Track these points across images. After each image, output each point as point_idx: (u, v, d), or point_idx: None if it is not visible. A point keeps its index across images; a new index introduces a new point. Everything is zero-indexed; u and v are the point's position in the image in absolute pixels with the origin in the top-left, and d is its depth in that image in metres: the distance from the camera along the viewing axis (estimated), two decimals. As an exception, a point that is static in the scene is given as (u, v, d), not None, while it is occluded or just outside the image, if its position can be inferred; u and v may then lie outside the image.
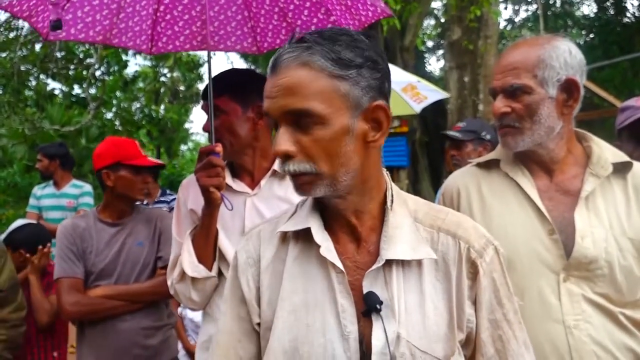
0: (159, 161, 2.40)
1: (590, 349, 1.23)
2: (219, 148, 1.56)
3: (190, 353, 3.30)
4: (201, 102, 1.71)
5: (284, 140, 0.89)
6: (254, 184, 1.67)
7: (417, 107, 4.41)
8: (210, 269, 1.56)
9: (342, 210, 0.97)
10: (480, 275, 0.95)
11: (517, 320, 0.99)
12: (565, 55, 1.32)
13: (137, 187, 2.24)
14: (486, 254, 0.96)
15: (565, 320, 1.25)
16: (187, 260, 1.55)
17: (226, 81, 1.65)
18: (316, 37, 0.89)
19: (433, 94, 4.61)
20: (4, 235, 2.68)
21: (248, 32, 2.20)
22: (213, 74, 1.67)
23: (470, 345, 0.98)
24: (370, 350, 0.90)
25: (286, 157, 0.90)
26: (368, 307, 0.91)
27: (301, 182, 0.92)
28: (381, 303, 0.91)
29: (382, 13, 2.05)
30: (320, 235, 0.97)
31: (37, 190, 4.47)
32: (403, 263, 0.95)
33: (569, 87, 1.33)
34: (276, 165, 1.67)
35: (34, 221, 3.37)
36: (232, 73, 1.76)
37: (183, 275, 1.56)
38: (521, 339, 0.98)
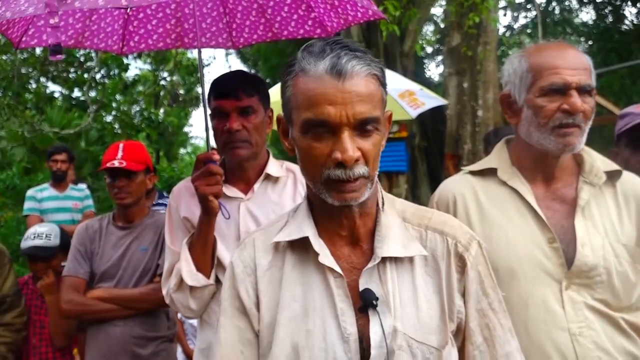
0: (114, 164, 2.17)
1: (596, 355, 1.25)
2: (216, 156, 1.57)
3: (190, 358, 3.29)
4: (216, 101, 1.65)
5: (352, 146, 0.92)
6: (247, 188, 1.67)
7: (413, 113, 4.46)
8: (208, 277, 1.56)
9: (353, 213, 1.01)
10: (468, 268, 1.01)
11: (501, 309, 1.04)
12: None
13: (111, 191, 2.24)
14: (472, 248, 1.02)
15: (570, 328, 1.27)
16: (186, 269, 1.54)
17: (257, 83, 1.67)
18: (359, 47, 0.95)
19: (431, 100, 4.64)
20: (57, 241, 2.60)
21: (223, 28, 2.20)
22: (212, 78, 1.68)
23: (460, 334, 1.02)
24: (369, 347, 0.94)
25: (352, 162, 0.92)
26: (364, 303, 0.95)
27: (358, 186, 0.94)
28: (377, 299, 0.95)
29: (374, 15, 2.05)
30: (317, 243, 1.00)
31: (35, 192, 4.42)
32: (396, 260, 1.00)
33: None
34: (269, 169, 1.68)
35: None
36: (257, 76, 1.79)
37: (181, 284, 1.55)
38: (506, 327, 1.04)
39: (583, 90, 1.31)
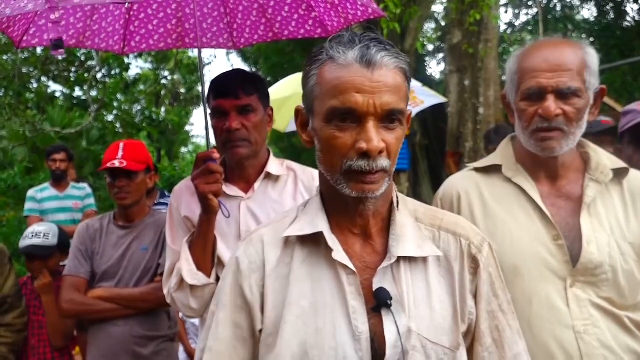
0: (114, 164, 2.15)
1: (601, 353, 1.24)
2: (216, 154, 1.56)
3: (192, 357, 3.29)
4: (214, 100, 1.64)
5: (377, 137, 0.91)
6: (247, 187, 1.67)
7: (412, 112, 4.47)
8: (209, 276, 1.55)
9: (367, 211, 1.00)
10: (481, 269, 1.01)
11: (510, 310, 1.04)
12: (597, 63, 1.33)
13: (111, 191, 2.24)
14: (484, 249, 1.03)
15: (575, 325, 1.26)
16: (186, 269, 1.53)
17: (256, 82, 1.66)
18: (386, 41, 0.94)
19: (430, 98, 4.65)
20: (55, 240, 2.59)
21: (224, 29, 2.21)
22: (214, 76, 1.67)
23: (470, 336, 1.02)
24: (382, 347, 0.93)
25: (377, 153, 0.92)
26: (378, 303, 0.94)
27: (377, 179, 0.94)
28: (391, 298, 0.94)
29: (374, 13, 2.05)
30: (331, 239, 0.99)
31: (36, 193, 4.41)
32: (410, 260, 0.99)
33: (597, 95, 1.34)
34: (270, 168, 1.67)
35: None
36: (256, 75, 1.78)
37: (181, 283, 1.54)
38: (515, 328, 1.04)
39: (563, 93, 1.28)
